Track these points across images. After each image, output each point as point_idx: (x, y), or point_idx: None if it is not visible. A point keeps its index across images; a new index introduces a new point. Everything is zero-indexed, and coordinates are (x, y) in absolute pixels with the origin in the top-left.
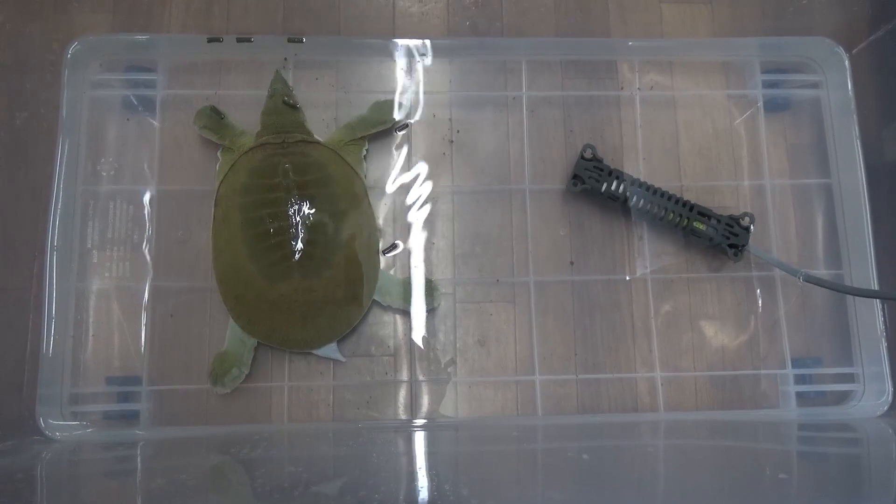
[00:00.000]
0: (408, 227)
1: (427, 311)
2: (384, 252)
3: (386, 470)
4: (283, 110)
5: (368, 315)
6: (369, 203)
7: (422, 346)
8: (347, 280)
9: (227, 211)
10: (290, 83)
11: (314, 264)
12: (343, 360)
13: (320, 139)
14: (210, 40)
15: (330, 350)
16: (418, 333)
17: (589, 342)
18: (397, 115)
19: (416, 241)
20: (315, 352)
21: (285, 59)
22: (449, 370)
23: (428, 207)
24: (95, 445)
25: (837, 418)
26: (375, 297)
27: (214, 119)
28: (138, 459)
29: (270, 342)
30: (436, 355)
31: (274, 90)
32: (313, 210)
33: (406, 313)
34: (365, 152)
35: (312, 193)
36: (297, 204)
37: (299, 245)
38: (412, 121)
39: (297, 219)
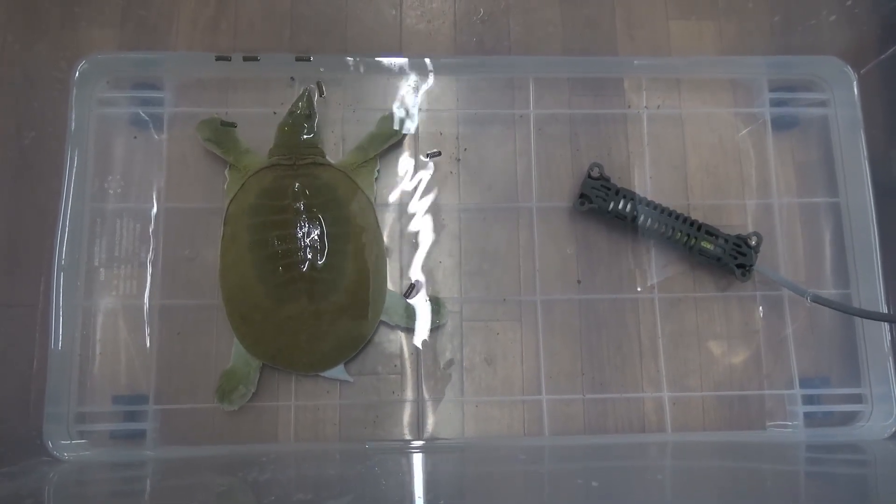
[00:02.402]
0: (414, 245)
1: (434, 329)
2: (405, 295)
3: (392, 492)
4: (300, 129)
5: (375, 334)
6: (378, 226)
7: (428, 365)
8: (355, 304)
9: (235, 231)
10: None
11: (322, 288)
12: (351, 380)
13: (332, 161)
14: (219, 59)
15: (337, 371)
16: (425, 352)
17: (596, 361)
18: (405, 129)
19: (423, 259)
20: (322, 374)
21: (292, 77)
22: (455, 389)
23: (434, 225)
24: (102, 466)
25: (845, 439)
26: (382, 318)
27: (221, 132)
28: (146, 480)
29: (275, 364)
30: (442, 374)
31: (297, 108)
32: (322, 233)
33: (413, 332)
34: (376, 174)
35: (322, 216)
36: (306, 226)
37: (307, 268)
38: (437, 149)
39: (306, 241)
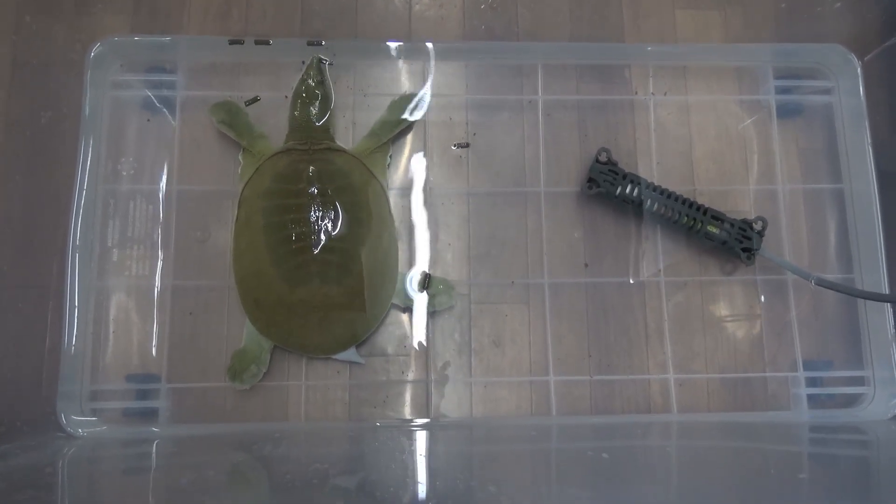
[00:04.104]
0: (424, 229)
1: (443, 312)
2: (421, 286)
3: (401, 468)
4: (314, 99)
5: (386, 315)
6: (390, 211)
7: (437, 347)
8: (367, 287)
9: (249, 214)
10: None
11: (334, 271)
12: (362, 362)
13: (345, 147)
14: (232, 42)
15: (349, 353)
16: (434, 334)
17: (602, 344)
18: (415, 113)
19: (433, 242)
20: (334, 356)
21: (303, 61)
22: (464, 370)
23: (444, 210)
24: (116, 442)
25: (848, 421)
26: (393, 300)
27: (234, 114)
28: (159, 456)
29: (287, 346)
30: (451, 355)
31: (308, 76)
32: (335, 217)
33: (422, 314)
34: (389, 160)
35: (335, 201)
36: (319, 211)
37: (320, 251)
38: (464, 140)
39: (319, 225)
